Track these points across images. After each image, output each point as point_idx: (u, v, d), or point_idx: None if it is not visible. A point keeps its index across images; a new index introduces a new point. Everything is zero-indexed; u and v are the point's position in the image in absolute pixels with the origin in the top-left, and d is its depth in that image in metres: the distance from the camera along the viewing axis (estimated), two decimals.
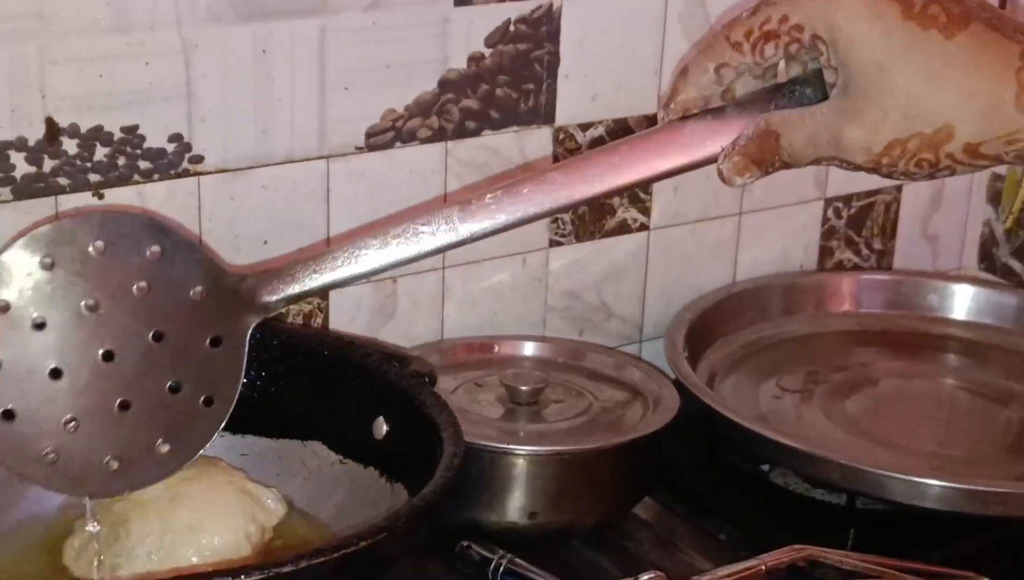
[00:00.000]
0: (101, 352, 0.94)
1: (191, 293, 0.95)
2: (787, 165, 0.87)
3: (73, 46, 1.12)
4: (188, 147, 1.19)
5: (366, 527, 0.90)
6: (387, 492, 1.06)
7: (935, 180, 1.61)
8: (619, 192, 0.92)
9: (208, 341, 0.96)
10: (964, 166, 0.83)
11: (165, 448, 0.96)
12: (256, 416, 1.10)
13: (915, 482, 1.16)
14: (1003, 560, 1.19)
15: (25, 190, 1.13)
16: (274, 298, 0.96)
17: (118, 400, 0.95)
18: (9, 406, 0.93)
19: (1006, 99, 0.80)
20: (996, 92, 0.80)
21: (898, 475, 1.17)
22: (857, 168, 0.84)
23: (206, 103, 1.19)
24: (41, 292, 0.93)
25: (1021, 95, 0.79)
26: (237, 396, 0.97)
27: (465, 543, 1.17)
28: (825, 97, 0.85)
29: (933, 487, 1.16)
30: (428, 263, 1.31)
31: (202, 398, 0.97)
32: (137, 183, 1.17)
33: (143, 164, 1.17)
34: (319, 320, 1.29)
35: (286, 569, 0.85)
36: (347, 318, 1.31)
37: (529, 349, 1.36)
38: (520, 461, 1.17)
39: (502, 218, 0.90)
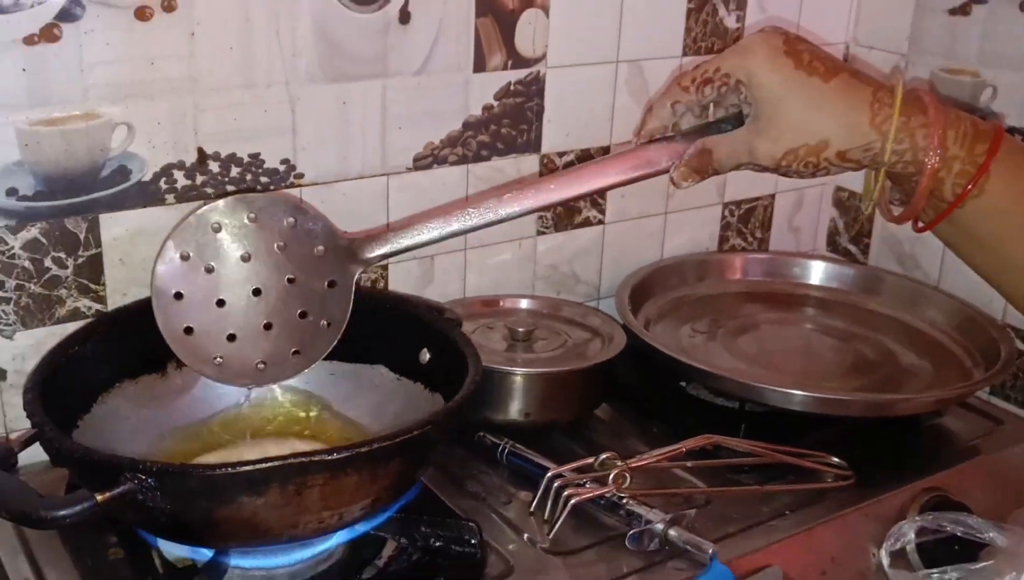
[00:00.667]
0: (251, 289, 0.99)
1: (315, 250, 1.00)
2: (716, 172, 0.90)
3: (215, 99, 1.13)
4: (293, 168, 1.20)
5: (416, 422, 0.91)
6: (429, 400, 1.06)
7: (801, 185, 1.62)
8: (603, 191, 0.94)
9: (326, 283, 1.00)
10: (836, 167, 0.86)
11: (296, 355, 1.00)
12: (340, 349, 1.10)
13: (785, 392, 1.17)
14: (842, 444, 1.19)
15: (184, 196, 1.14)
16: (371, 254, 0.99)
17: (263, 322, 1.00)
18: (189, 325, 0.99)
19: (863, 120, 0.84)
20: (857, 116, 0.84)
21: (774, 387, 1.17)
22: (764, 169, 0.88)
23: (305, 138, 1.19)
24: (211, 247, 0.99)
25: (873, 118, 0.83)
26: (347, 321, 1.00)
27: (481, 434, 1.18)
28: (740, 126, 0.88)
29: (797, 395, 1.17)
30: (455, 245, 1.33)
31: (323, 322, 1.00)
32: (259, 192, 1.18)
33: (263, 179, 1.18)
34: (382, 284, 1.30)
35: (364, 449, 0.86)
36: (401, 283, 1.31)
37: (524, 304, 1.37)
38: (518, 378, 1.18)
39: (526, 204, 0.94)
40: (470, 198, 0.99)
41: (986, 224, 0.85)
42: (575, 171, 0.94)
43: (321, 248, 1.00)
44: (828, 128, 0.85)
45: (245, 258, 0.99)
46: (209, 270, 0.98)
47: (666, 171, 0.91)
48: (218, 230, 0.99)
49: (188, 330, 0.99)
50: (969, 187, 0.83)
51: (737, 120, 0.90)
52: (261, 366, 1.01)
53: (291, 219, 1.01)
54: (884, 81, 0.87)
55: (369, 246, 0.99)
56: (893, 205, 0.92)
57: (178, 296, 0.98)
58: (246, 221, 1.00)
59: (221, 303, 0.99)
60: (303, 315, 1.01)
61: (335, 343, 1.01)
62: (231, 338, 1.00)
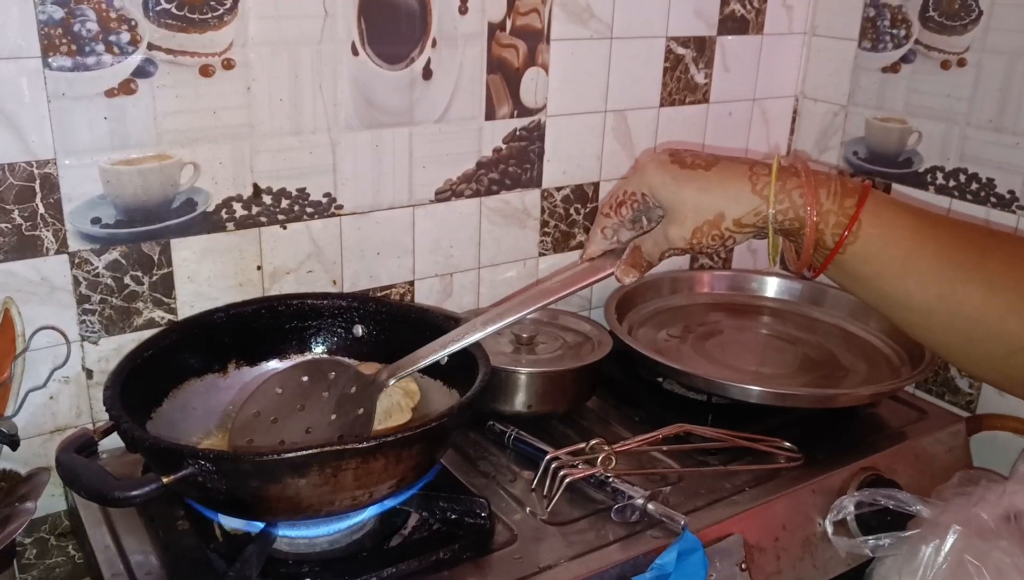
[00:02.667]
0: (307, 430, 0.96)
1: (350, 391, 1.00)
2: (650, 264, 0.92)
3: (269, 142, 1.11)
4: (334, 200, 1.17)
5: (436, 414, 0.89)
6: (447, 394, 1.04)
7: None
8: (566, 297, 0.95)
9: (357, 412, 0.97)
10: (738, 234, 0.86)
11: None
12: (373, 352, 1.10)
13: (745, 387, 1.14)
14: (793, 430, 1.17)
15: (242, 224, 1.12)
16: (389, 381, 0.99)
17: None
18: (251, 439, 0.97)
19: (745, 189, 0.84)
20: (739, 187, 0.84)
21: (735, 383, 1.15)
22: (684, 252, 0.89)
23: (344, 175, 1.17)
24: (276, 403, 0.99)
25: (754, 186, 0.84)
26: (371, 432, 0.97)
27: (491, 422, 1.17)
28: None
29: (755, 390, 1.14)
30: (470, 264, 1.31)
31: (353, 435, 0.96)
32: (305, 220, 1.16)
33: (309, 209, 1.16)
34: (409, 298, 1.27)
35: (390, 439, 0.83)
36: (424, 296, 1.29)
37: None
38: (522, 376, 1.15)
39: (501, 323, 0.96)
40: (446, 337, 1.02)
41: (865, 266, 0.83)
42: (544, 290, 0.96)
43: (354, 389, 1.00)
44: (719, 203, 0.85)
45: (300, 409, 0.99)
46: (273, 421, 0.97)
47: (612, 274, 0.93)
48: (281, 391, 1.00)
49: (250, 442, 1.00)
50: (845, 233, 0.82)
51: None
52: None
53: (333, 374, 1.02)
54: (759, 161, 0.87)
55: (385, 376, 0.99)
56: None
57: (249, 442, 0.96)
58: (303, 381, 1.01)
59: (281, 444, 0.97)
60: (340, 440, 0.98)
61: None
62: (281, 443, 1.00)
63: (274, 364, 1.09)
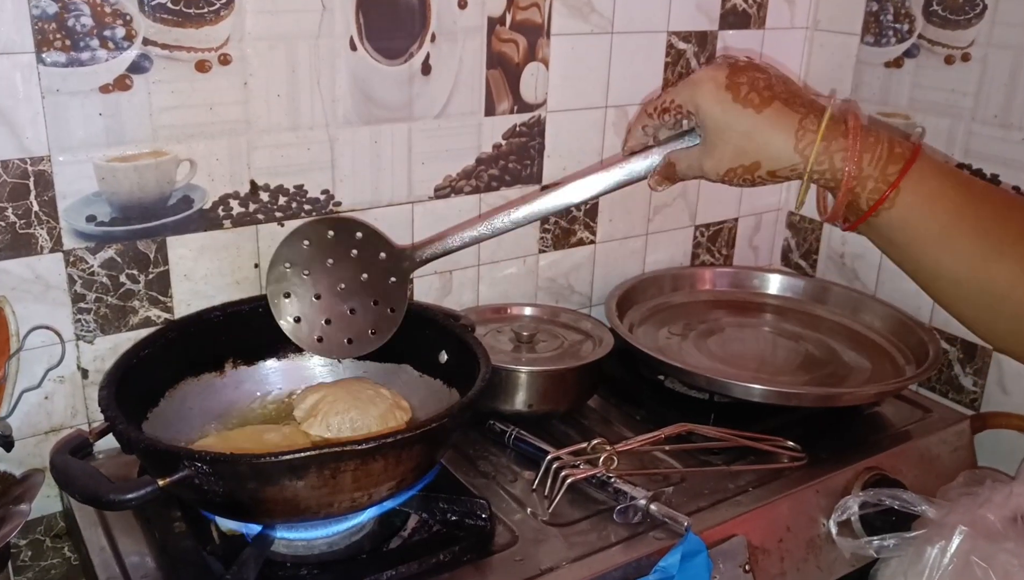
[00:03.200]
0: (339, 285, 1.03)
1: (379, 256, 1.03)
2: (681, 179, 0.91)
3: (266, 138, 1.10)
4: (332, 197, 1.16)
5: (436, 415, 0.88)
6: (447, 394, 1.03)
7: (759, 210, 1.59)
8: (600, 196, 0.94)
9: (390, 280, 1.03)
10: (770, 181, 0.85)
11: (372, 333, 1.04)
12: (372, 351, 1.08)
13: (747, 386, 1.13)
14: (796, 430, 1.16)
15: (239, 221, 1.11)
16: (421, 256, 1.02)
17: (349, 309, 1.04)
18: (297, 315, 1.04)
19: (788, 146, 0.83)
20: (783, 142, 0.83)
21: (737, 382, 1.14)
22: (713, 181, 0.88)
23: (343, 171, 1.16)
24: (305, 256, 1.03)
25: (797, 145, 0.82)
26: (406, 306, 1.04)
27: (491, 422, 1.16)
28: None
29: (757, 389, 1.13)
30: (469, 261, 1.30)
31: (388, 309, 1.04)
32: (303, 217, 1.14)
33: (307, 206, 1.15)
34: (408, 295, 1.25)
35: (389, 440, 0.83)
36: (424, 294, 1.28)
37: (527, 311, 1.33)
38: (523, 375, 1.14)
39: (535, 209, 0.96)
40: (485, 213, 1.01)
41: (900, 233, 0.82)
42: (576, 181, 0.94)
43: (383, 254, 1.03)
44: (759, 153, 0.84)
45: (331, 264, 1.03)
46: (306, 274, 1.03)
47: (645, 178, 0.93)
48: (309, 244, 1.03)
49: (296, 319, 1.04)
50: (881, 200, 0.81)
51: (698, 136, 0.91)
52: (348, 342, 1.04)
53: (359, 234, 1.03)
54: (816, 104, 0.84)
55: (418, 252, 1.02)
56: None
57: (287, 295, 1.03)
58: (329, 236, 1.03)
59: (317, 297, 1.03)
60: (376, 303, 1.03)
61: (399, 325, 1.04)
62: (327, 322, 1.04)
63: (272, 363, 1.09)
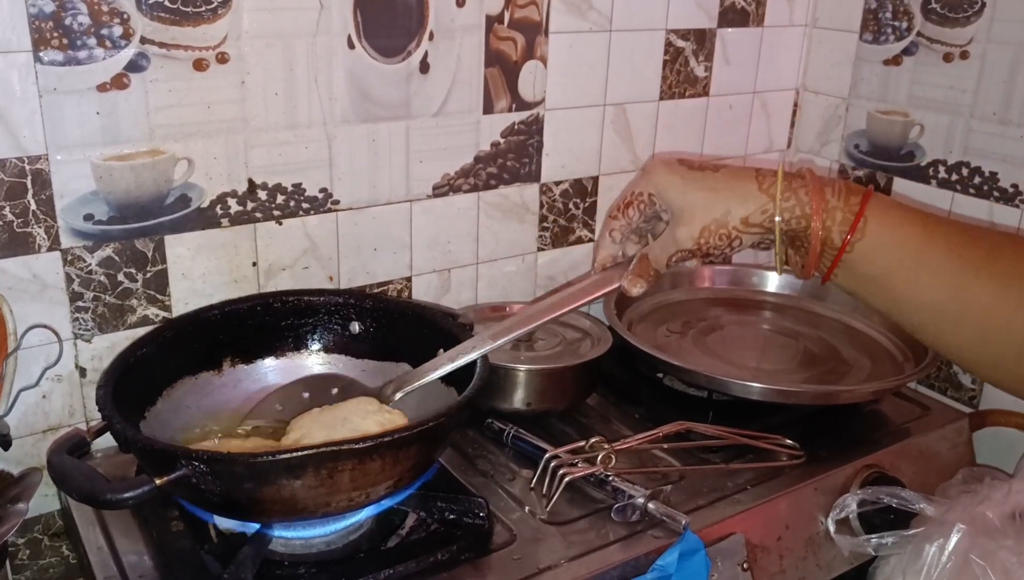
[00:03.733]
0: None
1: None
2: (657, 273, 0.91)
3: (264, 137, 1.09)
4: (330, 195, 1.16)
5: (433, 414, 0.88)
6: (445, 392, 1.02)
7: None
8: (575, 311, 0.96)
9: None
10: (745, 234, 0.86)
11: None
12: (370, 348, 1.09)
13: (746, 384, 1.13)
14: (794, 427, 1.16)
15: (236, 220, 1.11)
16: (395, 395, 0.98)
17: None
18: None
19: (752, 188, 0.85)
20: (746, 186, 0.85)
21: (736, 380, 1.14)
22: (691, 254, 0.88)
23: (341, 169, 1.15)
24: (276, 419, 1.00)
25: (760, 185, 0.85)
26: None
27: (489, 420, 1.16)
28: None
29: (756, 387, 1.13)
30: (467, 259, 1.30)
31: None
32: (301, 216, 1.15)
33: (304, 205, 1.14)
34: (406, 293, 1.26)
35: (386, 439, 0.82)
36: (422, 292, 1.28)
37: None
38: (521, 373, 1.14)
39: (510, 336, 0.96)
40: (451, 352, 0.99)
41: (873, 264, 0.83)
42: (553, 303, 0.95)
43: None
44: (727, 201, 0.85)
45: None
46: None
47: (619, 286, 0.93)
48: (280, 409, 1.01)
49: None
50: (852, 230, 0.82)
51: None
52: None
53: (335, 389, 1.03)
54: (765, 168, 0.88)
55: (389, 391, 0.99)
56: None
57: None
58: (304, 397, 1.02)
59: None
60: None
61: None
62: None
63: (270, 362, 1.08)
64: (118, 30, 0.98)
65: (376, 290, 1.23)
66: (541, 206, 1.34)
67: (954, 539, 0.97)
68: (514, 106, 1.26)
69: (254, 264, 1.13)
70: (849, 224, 0.82)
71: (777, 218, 0.84)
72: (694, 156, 0.91)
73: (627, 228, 0.93)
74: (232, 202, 1.09)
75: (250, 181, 1.10)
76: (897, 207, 0.84)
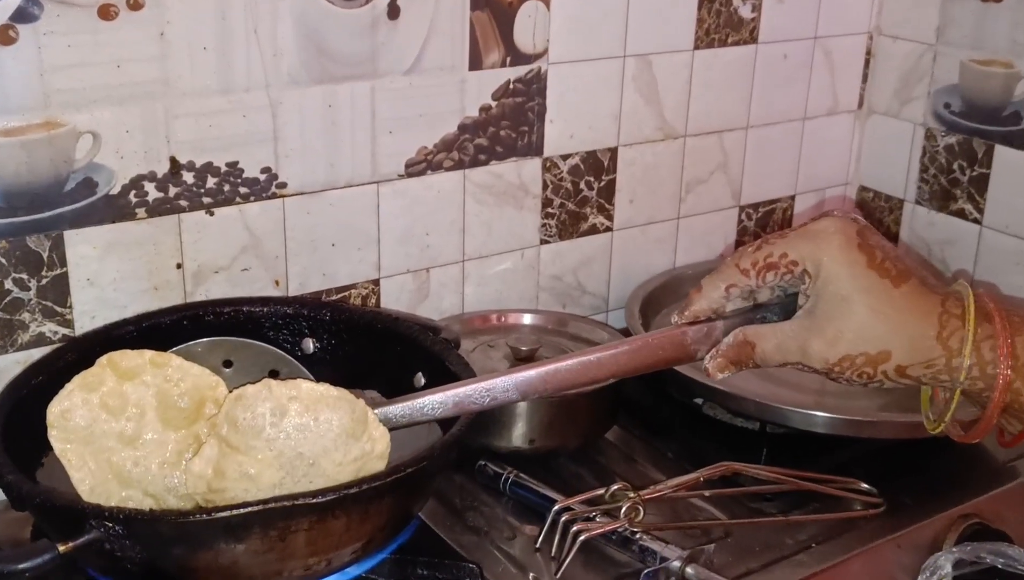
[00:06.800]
0: None
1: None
2: (757, 366, 0.86)
3: (190, 104, 1.10)
4: (275, 177, 1.17)
5: (412, 456, 0.88)
6: (425, 429, 1.02)
7: (822, 185, 1.60)
8: (635, 374, 0.90)
9: None
10: (891, 382, 0.83)
11: None
12: (328, 371, 1.08)
13: (808, 413, 1.14)
14: (870, 467, 1.17)
15: (156, 210, 1.11)
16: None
17: None
18: None
19: (930, 335, 0.81)
20: (923, 330, 0.81)
21: (795, 408, 1.15)
22: (814, 371, 0.84)
23: (288, 144, 1.16)
24: None
25: (941, 332, 0.81)
26: None
27: (482, 462, 1.16)
28: (785, 319, 0.85)
29: (821, 416, 1.14)
30: (452, 257, 1.30)
31: None
32: (238, 204, 1.15)
33: (242, 189, 1.15)
34: (373, 301, 1.27)
35: (352, 491, 0.83)
36: (393, 298, 1.29)
37: (526, 319, 1.34)
38: (522, 403, 1.14)
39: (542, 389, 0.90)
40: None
41: None
42: (605, 355, 0.89)
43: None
44: (892, 339, 0.81)
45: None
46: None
47: (700, 358, 0.88)
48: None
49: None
50: None
51: (783, 309, 0.86)
52: None
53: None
54: (948, 287, 0.84)
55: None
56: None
57: None
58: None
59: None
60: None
61: None
62: None
63: None
64: None
65: (335, 297, 1.24)
66: (544, 187, 1.35)
67: None
68: (509, 60, 1.27)
69: (179, 266, 1.14)
70: None
71: (954, 376, 0.81)
72: (878, 235, 0.85)
73: (753, 291, 0.87)
74: (150, 187, 1.10)
75: (173, 160, 1.10)
76: None
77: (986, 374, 0.81)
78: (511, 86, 1.28)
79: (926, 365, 0.81)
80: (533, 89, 1.30)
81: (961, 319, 0.81)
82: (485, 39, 1.25)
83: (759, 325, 0.85)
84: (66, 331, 1.10)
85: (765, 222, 1.57)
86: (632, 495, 1.06)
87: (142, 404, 0.90)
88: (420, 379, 1.07)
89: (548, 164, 1.34)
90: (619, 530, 1.04)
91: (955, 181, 1.51)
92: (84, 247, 1.08)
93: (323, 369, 1.09)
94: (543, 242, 1.38)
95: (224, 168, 1.13)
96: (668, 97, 1.41)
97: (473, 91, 1.26)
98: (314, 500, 0.81)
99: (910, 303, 0.81)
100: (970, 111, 1.48)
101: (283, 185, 1.17)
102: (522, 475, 1.13)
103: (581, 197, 1.38)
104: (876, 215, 1.61)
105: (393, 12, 1.18)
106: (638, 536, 1.03)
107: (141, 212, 1.10)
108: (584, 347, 1.26)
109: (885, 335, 0.81)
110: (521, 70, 1.28)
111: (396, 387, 1.07)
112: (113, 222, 1.09)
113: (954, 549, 1.08)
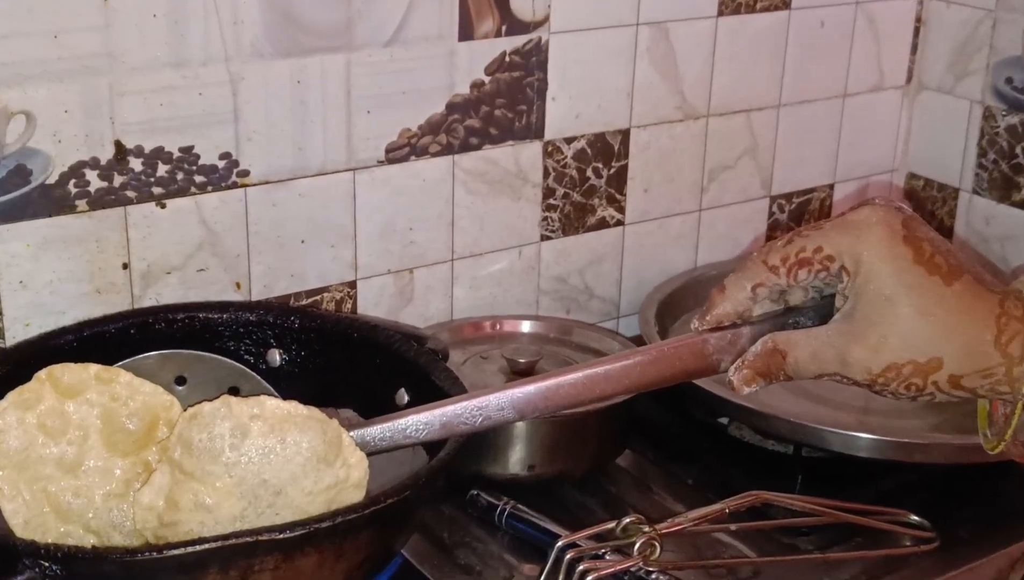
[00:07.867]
0: None
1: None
2: (789, 378, 0.85)
3: (138, 80, 1.10)
4: (236, 163, 1.17)
5: (394, 485, 0.88)
6: (408, 453, 1.02)
7: (865, 173, 1.60)
8: (649, 389, 0.89)
9: None
10: (943, 394, 0.81)
11: None
12: (297, 387, 1.08)
13: (849, 435, 1.15)
14: (921, 497, 1.17)
15: (99, 202, 1.12)
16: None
17: None
18: None
19: (987, 339, 0.79)
20: (979, 333, 0.79)
21: (834, 429, 1.15)
22: (854, 383, 0.82)
23: (251, 126, 1.17)
24: None
25: (999, 337, 0.79)
26: None
27: (475, 492, 1.16)
28: (821, 323, 0.84)
29: (864, 439, 1.14)
30: (439, 255, 1.31)
31: None
32: (193, 194, 1.16)
33: (198, 178, 1.15)
34: (349, 305, 1.27)
35: (324, 525, 0.83)
36: (372, 303, 1.29)
37: (525, 326, 1.34)
38: (520, 423, 1.14)
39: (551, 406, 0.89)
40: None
41: None
42: (615, 367, 0.88)
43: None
44: (944, 344, 0.80)
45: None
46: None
47: (724, 370, 0.87)
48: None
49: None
50: None
51: (819, 313, 0.85)
52: None
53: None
54: (1007, 286, 0.82)
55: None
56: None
57: None
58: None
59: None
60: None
61: None
62: None
63: None
64: None
65: (305, 302, 1.24)
66: (546, 174, 1.35)
67: None
68: (505, 28, 1.28)
69: (125, 266, 1.14)
70: None
71: (1014, 387, 0.80)
72: (925, 226, 0.82)
73: (784, 290, 0.86)
74: (92, 176, 1.10)
75: (118, 144, 1.11)
76: None
77: None
78: (507, 59, 1.29)
79: (983, 374, 0.79)
80: (532, 62, 1.30)
81: (1022, 321, 0.79)
82: (477, 5, 1.25)
83: (791, 331, 0.84)
84: None
85: (800, 214, 1.57)
86: (647, 529, 1.05)
87: (85, 426, 0.89)
88: (403, 396, 1.07)
89: (550, 148, 1.35)
90: (632, 569, 1.03)
91: (1018, 167, 1.51)
92: (16, 244, 1.08)
93: (291, 385, 1.09)
94: (544, 238, 1.38)
95: (177, 154, 1.14)
96: (688, 71, 1.41)
97: (464, 65, 1.26)
98: (281, 535, 0.81)
99: (964, 303, 0.80)
100: None
101: (245, 173, 1.18)
102: (520, 506, 1.13)
103: (588, 186, 1.39)
104: (927, 206, 1.62)
105: None
106: (654, 576, 1.03)
107: (82, 204, 1.10)
108: (591, 358, 1.27)
109: (935, 340, 0.79)
110: (519, 40, 1.29)
111: (375, 405, 1.06)
112: (49, 216, 1.09)
113: None
